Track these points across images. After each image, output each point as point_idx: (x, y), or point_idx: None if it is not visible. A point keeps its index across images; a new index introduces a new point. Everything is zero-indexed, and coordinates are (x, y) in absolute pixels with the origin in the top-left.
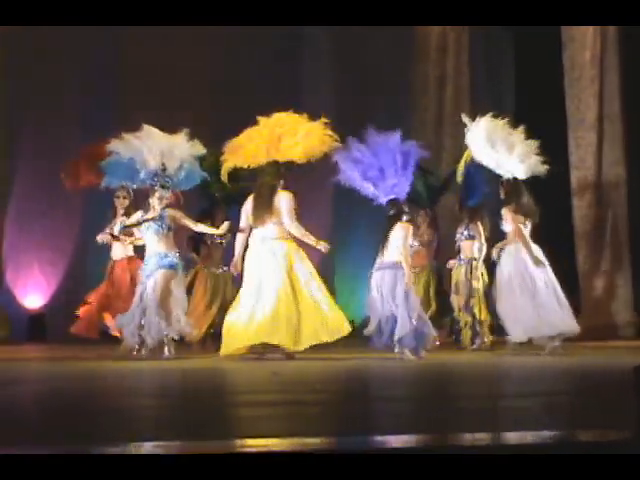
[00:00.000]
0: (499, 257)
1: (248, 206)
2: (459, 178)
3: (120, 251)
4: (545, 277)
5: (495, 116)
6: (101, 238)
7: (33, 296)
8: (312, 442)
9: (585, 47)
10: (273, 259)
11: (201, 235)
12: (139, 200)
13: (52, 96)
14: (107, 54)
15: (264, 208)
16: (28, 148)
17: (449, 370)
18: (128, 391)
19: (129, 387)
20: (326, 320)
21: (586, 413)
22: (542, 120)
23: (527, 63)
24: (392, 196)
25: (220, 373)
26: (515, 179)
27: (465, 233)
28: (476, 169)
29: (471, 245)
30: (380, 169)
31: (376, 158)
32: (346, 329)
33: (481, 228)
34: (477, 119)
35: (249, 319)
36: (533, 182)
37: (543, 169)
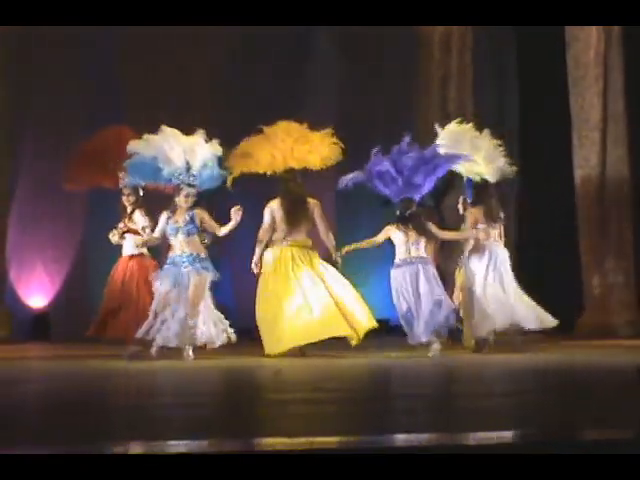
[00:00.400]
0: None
1: (276, 212)
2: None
3: (129, 249)
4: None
5: (461, 121)
6: (115, 240)
7: (37, 295)
8: (319, 441)
9: (589, 46)
10: (307, 262)
11: None
12: (148, 198)
13: (53, 96)
14: (108, 53)
15: (301, 216)
16: (29, 148)
17: (456, 369)
18: (138, 391)
19: (139, 387)
20: (360, 313)
21: (587, 412)
22: (546, 119)
23: (531, 62)
24: (409, 195)
25: (234, 372)
26: (485, 181)
27: None
28: None
29: None
30: (412, 172)
31: (414, 161)
32: (373, 320)
33: None
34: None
35: (309, 317)
36: (536, 181)
37: (511, 171)
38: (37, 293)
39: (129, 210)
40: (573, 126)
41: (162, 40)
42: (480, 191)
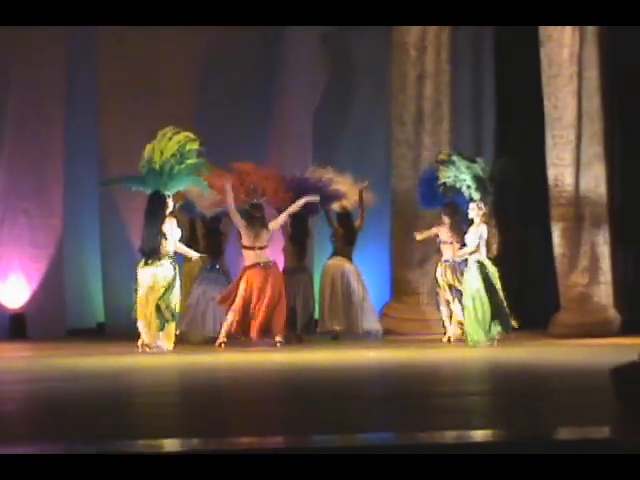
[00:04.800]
0: None
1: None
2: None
3: None
4: None
5: None
6: None
7: (13, 294)
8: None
9: (563, 45)
10: None
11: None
12: None
13: (31, 94)
14: (85, 52)
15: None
16: (8, 144)
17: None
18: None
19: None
20: None
21: (567, 411)
22: (522, 118)
23: (507, 61)
24: None
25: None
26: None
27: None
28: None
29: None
30: None
31: None
32: None
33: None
34: None
35: None
36: (512, 180)
37: None
38: (14, 291)
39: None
40: (546, 125)
41: (140, 33)
42: None
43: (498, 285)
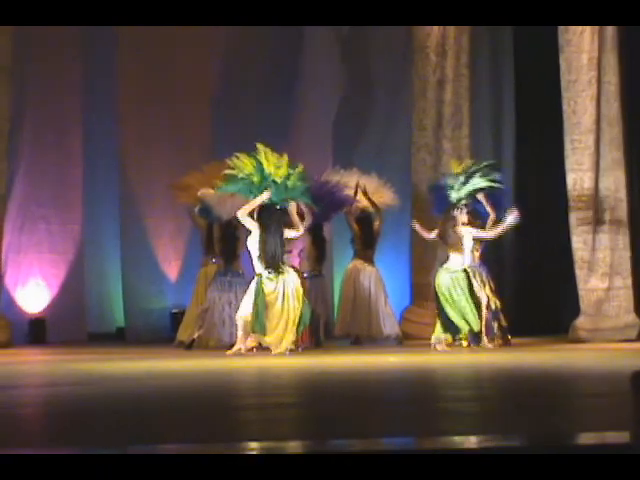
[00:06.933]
0: None
1: None
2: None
3: None
4: None
5: None
6: None
7: (33, 299)
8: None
9: (582, 50)
10: None
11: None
12: None
13: (49, 98)
14: (104, 53)
15: None
16: (25, 150)
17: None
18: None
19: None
20: None
21: (587, 416)
22: (541, 123)
23: (527, 66)
24: None
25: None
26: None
27: None
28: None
29: None
30: None
31: None
32: None
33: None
34: None
35: None
36: (532, 184)
37: None
38: (33, 297)
39: None
40: (565, 130)
41: (158, 38)
42: None
43: (457, 293)
